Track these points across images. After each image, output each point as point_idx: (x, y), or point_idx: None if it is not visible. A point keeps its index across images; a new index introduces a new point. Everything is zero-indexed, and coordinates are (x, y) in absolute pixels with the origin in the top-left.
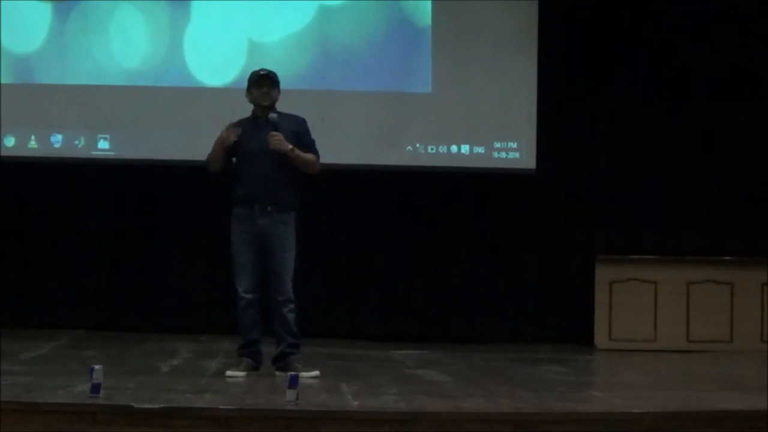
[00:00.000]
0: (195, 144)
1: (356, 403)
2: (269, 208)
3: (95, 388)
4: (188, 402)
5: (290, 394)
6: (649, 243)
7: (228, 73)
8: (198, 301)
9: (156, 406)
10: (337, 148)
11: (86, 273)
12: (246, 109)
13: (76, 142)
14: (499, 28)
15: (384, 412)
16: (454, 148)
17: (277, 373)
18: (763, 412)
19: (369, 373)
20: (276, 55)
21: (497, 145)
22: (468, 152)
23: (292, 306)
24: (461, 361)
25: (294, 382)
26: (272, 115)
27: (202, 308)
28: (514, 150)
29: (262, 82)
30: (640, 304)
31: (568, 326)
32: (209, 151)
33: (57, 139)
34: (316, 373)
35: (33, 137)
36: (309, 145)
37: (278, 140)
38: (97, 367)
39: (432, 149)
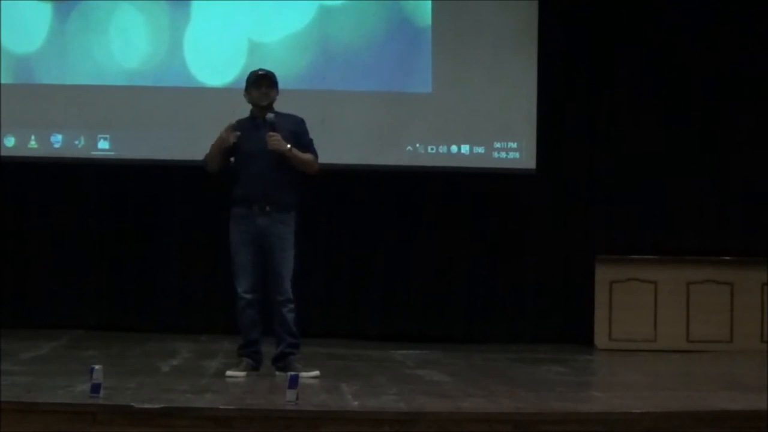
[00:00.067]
0: (195, 144)
1: (356, 403)
2: (268, 208)
3: (95, 388)
4: (188, 402)
5: (290, 394)
6: (649, 243)
7: (228, 73)
8: (198, 301)
9: (156, 406)
10: (337, 148)
11: (86, 273)
12: (245, 110)
13: (76, 142)
14: (499, 28)
15: (384, 412)
16: (454, 148)
17: (277, 373)
18: (763, 412)
19: (369, 373)
20: (276, 55)
21: (497, 145)
22: (468, 152)
23: (291, 306)
24: (461, 361)
25: (294, 382)
26: (269, 116)
27: (202, 308)
28: (514, 150)
29: (261, 83)
30: (640, 304)
31: (568, 326)
32: (208, 151)
33: (57, 139)
34: (316, 373)
35: (33, 137)
36: (307, 145)
37: (276, 141)
38: (97, 367)
39: (432, 149)
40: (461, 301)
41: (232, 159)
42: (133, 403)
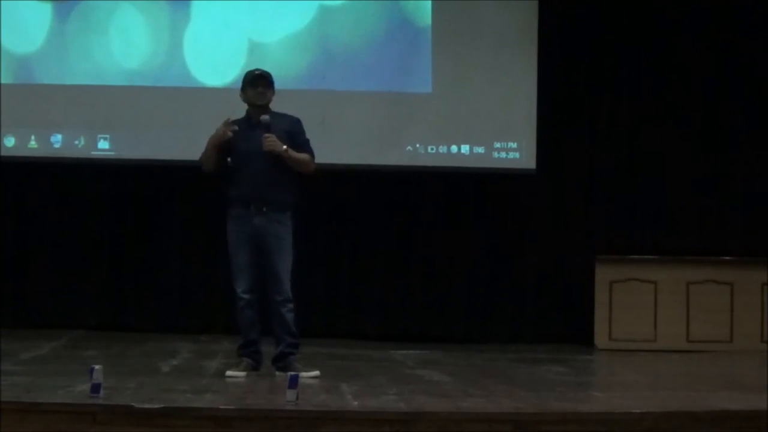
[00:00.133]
0: (195, 144)
1: (356, 403)
2: (265, 208)
3: (95, 388)
4: (188, 402)
5: (290, 394)
6: (649, 243)
7: (228, 73)
8: (198, 301)
9: (156, 406)
10: (337, 148)
11: (86, 273)
12: (245, 110)
13: (76, 142)
14: (499, 28)
15: (384, 412)
16: (454, 148)
17: (277, 373)
18: (763, 412)
19: (369, 373)
20: (276, 55)
21: (497, 145)
22: (468, 152)
23: (290, 306)
24: (461, 361)
25: (294, 382)
26: (264, 117)
27: (201, 308)
28: (514, 150)
29: (258, 82)
30: (640, 304)
31: (568, 326)
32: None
33: (57, 139)
34: (316, 373)
35: (33, 137)
36: (302, 145)
37: (271, 142)
38: (97, 367)
39: (432, 149)
40: (461, 301)
41: (229, 159)
42: (133, 403)
